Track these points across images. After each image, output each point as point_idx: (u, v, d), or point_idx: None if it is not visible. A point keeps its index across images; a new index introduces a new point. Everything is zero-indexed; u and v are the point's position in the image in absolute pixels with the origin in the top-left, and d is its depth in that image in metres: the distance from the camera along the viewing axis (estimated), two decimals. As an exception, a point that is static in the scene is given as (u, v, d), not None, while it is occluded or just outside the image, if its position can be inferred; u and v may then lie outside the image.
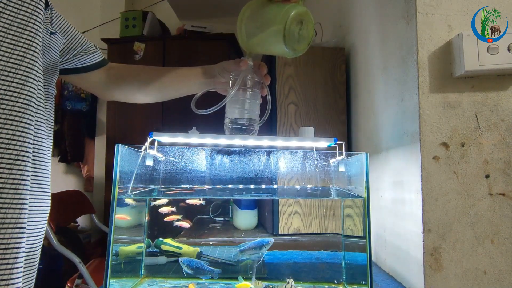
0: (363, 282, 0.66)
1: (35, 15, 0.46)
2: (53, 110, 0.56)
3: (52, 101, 0.56)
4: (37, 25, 0.46)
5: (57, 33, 0.55)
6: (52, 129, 0.55)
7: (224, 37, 2.39)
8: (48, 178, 0.53)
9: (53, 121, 0.55)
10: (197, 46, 2.40)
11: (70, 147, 2.66)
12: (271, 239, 0.75)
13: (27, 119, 0.44)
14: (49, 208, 0.55)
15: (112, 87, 0.74)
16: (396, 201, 0.80)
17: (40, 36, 0.47)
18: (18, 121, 0.43)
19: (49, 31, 0.53)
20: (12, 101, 0.42)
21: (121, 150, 0.63)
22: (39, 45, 0.46)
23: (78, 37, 0.64)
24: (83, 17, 2.65)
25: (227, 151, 0.80)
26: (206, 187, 0.81)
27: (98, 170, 2.67)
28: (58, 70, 0.60)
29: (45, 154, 0.52)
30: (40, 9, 0.47)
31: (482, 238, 0.65)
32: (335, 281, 0.76)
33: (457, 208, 0.65)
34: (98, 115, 2.75)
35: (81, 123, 2.69)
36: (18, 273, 0.42)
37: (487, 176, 0.65)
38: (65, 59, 0.64)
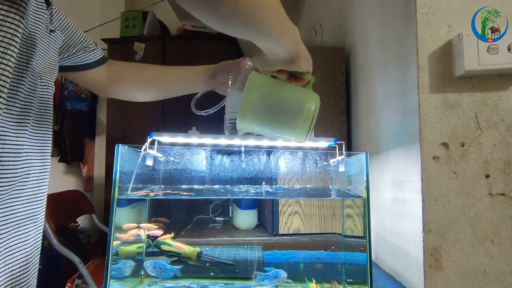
0: (363, 282, 0.66)
1: (11, 14, 0.41)
2: (52, 108, 0.56)
3: (51, 100, 0.56)
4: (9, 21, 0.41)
5: (56, 31, 0.55)
6: (51, 127, 0.55)
7: (224, 37, 2.39)
8: (47, 176, 0.53)
9: (52, 120, 0.55)
10: (197, 46, 2.40)
11: (70, 147, 2.66)
12: (285, 274, 0.76)
13: None
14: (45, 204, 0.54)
15: (112, 85, 0.74)
16: (396, 201, 0.80)
17: (20, 32, 0.43)
18: None
19: (48, 29, 0.52)
20: None
21: (121, 150, 0.63)
22: (14, 40, 0.42)
23: (78, 34, 0.64)
24: (83, 17, 2.65)
25: (227, 151, 0.80)
26: (206, 186, 0.81)
27: (98, 170, 2.67)
28: (57, 68, 0.60)
29: (48, 153, 0.52)
30: (17, 8, 0.42)
31: (482, 238, 0.65)
32: (335, 281, 0.76)
33: (457, 208, 0.65)
34: (98, 115, 2.75)
35: (81, 123, 2.68)
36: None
37: (487, 176, 0.65)
38: (65, 56, 0.64)
